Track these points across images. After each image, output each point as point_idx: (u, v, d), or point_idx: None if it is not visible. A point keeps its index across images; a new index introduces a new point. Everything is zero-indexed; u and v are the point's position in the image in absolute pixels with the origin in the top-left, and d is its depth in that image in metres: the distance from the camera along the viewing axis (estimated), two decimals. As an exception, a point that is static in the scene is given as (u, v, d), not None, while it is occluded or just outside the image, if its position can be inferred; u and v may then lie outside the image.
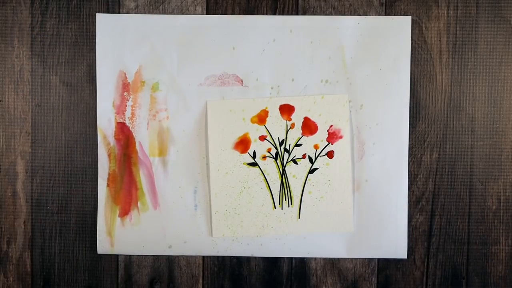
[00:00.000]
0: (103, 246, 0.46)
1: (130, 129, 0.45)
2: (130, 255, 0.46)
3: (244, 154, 0.45)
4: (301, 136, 0.45)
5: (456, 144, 0.45)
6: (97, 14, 0.45)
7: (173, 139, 0.45)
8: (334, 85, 0.44)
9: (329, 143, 0.45)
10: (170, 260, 0.46)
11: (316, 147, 0.45)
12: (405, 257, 0.45)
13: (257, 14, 0.45)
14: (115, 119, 0.45)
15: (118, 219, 0.45)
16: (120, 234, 0.45)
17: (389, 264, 0.46)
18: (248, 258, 0.46)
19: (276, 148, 0.45)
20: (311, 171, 0.45)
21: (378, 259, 0.46)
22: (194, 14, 0.45)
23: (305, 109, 0.44)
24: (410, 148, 0.45)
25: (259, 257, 0.46)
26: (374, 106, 0.45)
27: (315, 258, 0.45)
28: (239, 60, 0.45)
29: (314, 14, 0.45)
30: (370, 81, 0.44)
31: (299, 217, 0.45)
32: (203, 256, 0.46)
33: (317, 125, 0.45)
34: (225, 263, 0.46)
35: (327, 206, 0.45)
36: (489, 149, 0.45)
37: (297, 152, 0.45)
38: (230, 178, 0.45)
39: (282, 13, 0.45)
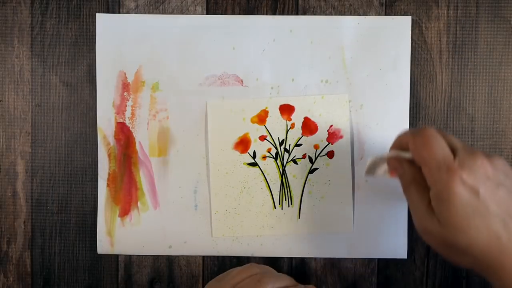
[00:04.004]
0: (103, 246, 0.46)
1: (130, 129, 0.45)
2: (130, 255, 0.46)
3: (244, 154, 0.45)
4: (301, 136, 0.45)
5: (456, 144, 0.45)
6: (97, 14, 0.45)
7: (173, 139, 0.45)
8: (334, 85, 0.44)
9: (329, 143, 0.45)
10: (170, 260, 0.46)
11: (316, 147, 0.45)
12: (405, 257, 0.45)
13: (257, 14, 0.45)
14: (115, 119, 0.45)
15: (118, 219, 0.45)
16: (120, 234, 0.45)
17: (389, 264, 0.46)
18: (248, 258, 0.46)
19: (276, 148, 0.45)
20: (311, 171, 0.45)
21: (378, 259, 0.46)
22: (194, 14, 0.45)
23: (305, 109, 0.44)
24: (410, 148, 0.45)
25: (259, 257, 0.46)
26: (374, 106, 0.45)
27: (315, 258, 0.45)
28: (239, 60, 0.45)
29: (314, 14, 0.45)
30: (370, 81, 0.44)
31: (299, 217, 0.45)
32: (203, 256, 0.46)
33: (317, 125, 0.45)
34: (225, 263, 0.46)
35: (327, 206, 0.45)
36: (489, 149, 0.45)
37: (297, 152, 0.45)
38: (230, 178, 0.45)
39: (282, 13, 0.45)
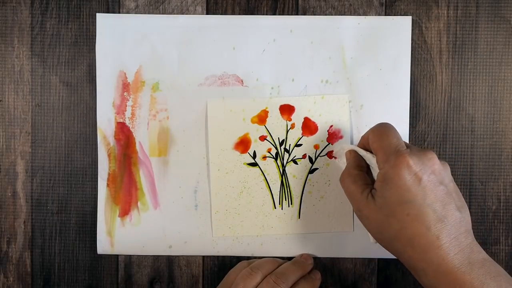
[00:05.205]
0: (103, 246, 0.46)
1: (130, 129, 0.45)
2: (130, 255, 0.46)
3: (244, 154, 0.45)
4: (301, 136, 0.45)
5: (456, 144, 0.45)
6: (97, 14, 0.45)
7: (173, 139, 0.45)
8: (334, 85, 0.44)
9: (329, 143, 0.45)
10: (170, 260, 0.46)
11: (316, 147, 0.45)
12: (405, 257, 0.45)
13: (257, 14, 0.45)
14: (115, 119, 0.45)
15: (118, 219, 0.45)
16: (120, 234, 0.45)
17: (389, 264, 0.46)
18: (248, 258, 0.46)
19: (276, 148, 0.45)
20: (311, 171, 0.45)
21: (378, 259, 0.46)
22: (194, 14, 0.45)
23: (305, 109, 0.44)
24: (410, 148, 0.45)
25: (259, 257, 0.45)
26: (374, 106, 0.45)
27: (315, 258, 0.45)
28: (239, 60, 0.45)
29: (314, 14, 0.45)
30: (370, 81, 0.44)
31: (299, 217, 0.45)
32: (203, 256, 0.46)
33: (317, 125, 0.45)
34: (225, 263, 0.46)
35: (327, 206, 0.45)
36: (489, 149, 0.45)
37: (297, 152, 0.45)
38: (230, 178, 0.45)
39: (282, 13, 0.45)
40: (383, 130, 0.36)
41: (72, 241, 0.46)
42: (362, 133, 0.44)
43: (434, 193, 0.33)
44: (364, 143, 0.40)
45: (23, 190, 0.46)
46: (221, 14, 0.45)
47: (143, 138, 0.45)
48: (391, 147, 0.35)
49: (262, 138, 0.45)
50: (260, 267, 0.41)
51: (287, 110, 0.45)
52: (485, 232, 0.45)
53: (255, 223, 0.45)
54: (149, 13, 0.45)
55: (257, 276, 0.40)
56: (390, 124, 0.37)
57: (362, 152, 0.39)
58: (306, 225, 0.45)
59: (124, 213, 0.45)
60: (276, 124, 0.45)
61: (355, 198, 0.37)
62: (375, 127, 0.38)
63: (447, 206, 0.33)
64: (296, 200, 0.45)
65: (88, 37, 0.45)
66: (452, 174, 0.36)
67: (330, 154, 0.45)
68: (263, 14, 0.45)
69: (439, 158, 0.35)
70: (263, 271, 0.40)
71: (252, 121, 0.45)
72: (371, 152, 0.39)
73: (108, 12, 0.45)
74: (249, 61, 0.45)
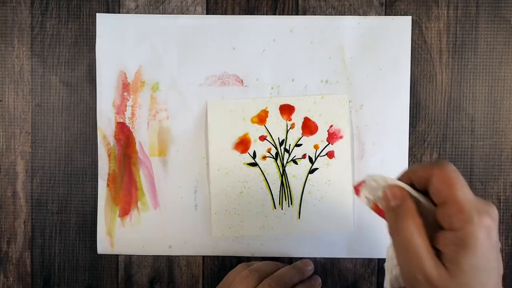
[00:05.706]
0: (103, 246, 0.46)
1: (130, 129, 0.45)
2: (130, 255, 0.46)
3: (244, 154, 0.45)
4: (301, 136, 0.45)
5: (456, 144, 0.45)
6: (97, 14, 0.45)
7: (173, 139, 0.45)
8: (334, 85, 0.44)
9: (329, 143, 0.45)
10: (170, 260, 0.46)
11: (316, 147, 0.45)
12: (405, 257, 0.45)
13: (257, 14, 0.45)
14: (115, 119, 0.45)
15: (118, 219, 0.45)
16: (120, 234, 0.45)
17: (389, 264, 0.46)
18: (248, 258, 0.46)
19: (276, 148, 0.45)
20: (311, 171, 0.45)
21: (378, 259, 0.46)
22: (194, 14, 0.45)
23: (305, 109, 0.44)
24: (410, 148, 0.45)
25: (259, 257, 0.46)
26: (374, 106, 0.45)
27: (315, 258, 0.45)
28: (239, 60, 0.45)
29: (314, 14, 0.45)
30: (370, 81, 0.44)
31: (299, 217, 0.45)
32: (203, 256, 0.46)
33: (317, 125, 0.45)
34: (225, 263, 0.46)
35: (327, 206, 0.45)
36: (489, 149, 0.45)
37: (297, 152, 0.45)
38: (230, 178, 0.45)
39: (282, 13, 0.45)
40: (455, 177, 0.28)
41: (72, 241, 0.46)
42: (362, 133, 0.45)
43: (498, 254, 0.29)
44: (413, 179, 0.30)
45: (23, 190, 0.46)
46: (221, 14, 0.45)
47: (143, 138, 0.45)
48: (469, 203, 0.28)
49: (262, 138, 0.45)
50: (259, 269, 0.41)
51: (287, 110, 0.45)
52: (485, 232, 0.45)
53: (255, 223, 0.45)
54: (149, 13, 0.45)
55: (255, 278, 0.40)
56: (454, 167, 0.29)
57: (414, 193, 0.30)
58: (306, 225, 0.45)
59: (124, 213, 0.45)
60: (276, 124, 0.45)
61: (420, 254, 0.28)
62: (440, 170, 0.28)
63: (501, 264, 0.29)
64: (296, 200, 0.45)
65: (88, 37, 0.45)
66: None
67: (330, 154, 0.45)
68: (263, 14, 0.45)
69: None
70: (262, 274, 0.40)
71: (252, 121, 0.45)
72: (421, 192, 0.30)
73: (108, 12, 0.45)
74: (249, 61, 0.45)
